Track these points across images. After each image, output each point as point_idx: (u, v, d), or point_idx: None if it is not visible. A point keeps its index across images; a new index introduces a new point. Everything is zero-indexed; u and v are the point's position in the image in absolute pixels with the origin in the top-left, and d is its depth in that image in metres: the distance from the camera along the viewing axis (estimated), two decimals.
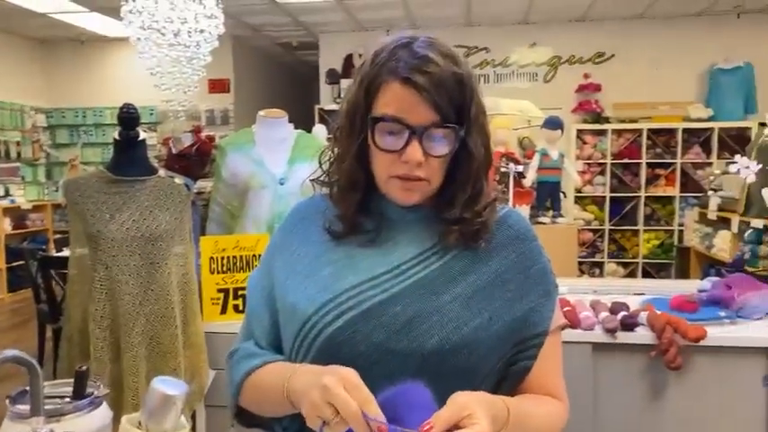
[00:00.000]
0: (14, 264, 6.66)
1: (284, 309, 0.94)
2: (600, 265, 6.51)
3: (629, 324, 1.98)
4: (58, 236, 5.93)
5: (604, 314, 2.05)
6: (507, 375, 0.92)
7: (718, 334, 1.94)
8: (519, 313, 0.91)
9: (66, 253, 3.25)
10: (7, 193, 6.93)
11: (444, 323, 0.86)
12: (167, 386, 0.63)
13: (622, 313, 2.05)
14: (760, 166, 2.22)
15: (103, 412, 0.76)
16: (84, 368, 0.76)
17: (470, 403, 0.72)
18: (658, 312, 2.01)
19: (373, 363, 0.84)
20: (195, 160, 2.78)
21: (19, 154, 7.09)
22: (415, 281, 0.89)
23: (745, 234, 3.52)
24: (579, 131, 6.42)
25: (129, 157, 1.96)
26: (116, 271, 1.86)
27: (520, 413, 0.82)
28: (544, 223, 3.69)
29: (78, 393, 0.75)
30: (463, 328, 0.86)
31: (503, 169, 3.04)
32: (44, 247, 6.64)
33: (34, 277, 3.79)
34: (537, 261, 0.96)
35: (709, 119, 6.28)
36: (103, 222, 1.86)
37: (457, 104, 0.86)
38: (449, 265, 0.91)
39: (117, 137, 1.97)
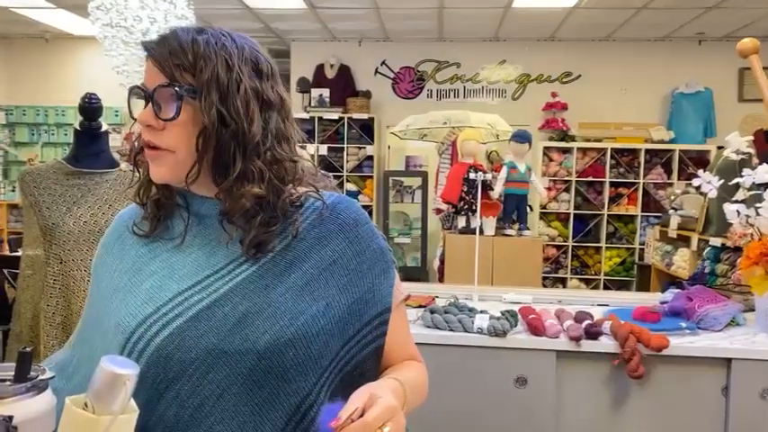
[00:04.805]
0: None
1: (108, 330, 0.89)
2: (563, 280, 6.59)
3: (593, 333, 1.99)
4: (12, 236, 5.74)
5: (569, 322, 2.06)
6: (364, 358, 0.92)
7: (679, 344, 1.96)
8: (358, 295, 0.91)
9: (20, 253, 3.14)
10: None
11: (277, 317, 0.83)
12: (117, 364, 0.59)
13: (586, 322, 2.05)
14: (722, 181, 2.26)
15: (47, 397, 0.71)
16: (29, 350, 0.71)
17: (368, 388, 0.76)
18: (622, 322, 2.02)
19: (208, 367, 0.82)
20: None
21: None
22: (243, 278, 0.86)
23: (704, 252, 3.59)
24: (546, 149, 6.52)
25: (89, 148, 1.90)
26: (71, 266, 1.79)
27: (407, 382, 0.86)
28: (510, 235, 3.71)
29: (21, 377, 0.70)
30: (299, 319, 0.84)
31: (471, 176, 3.05)
32: None
33: None
34: (372, 243, 0.95)
35: (671, 141, 6.44)
36: (60, 215, 1.79)
37: (187, 67, 0.84)
38: (279, 257, 0.88)
39: (78, 127, 1.90)
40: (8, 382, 0.70)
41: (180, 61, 0.84)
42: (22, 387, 0.69)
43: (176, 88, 0.83)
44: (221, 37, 0.88)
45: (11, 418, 0.60)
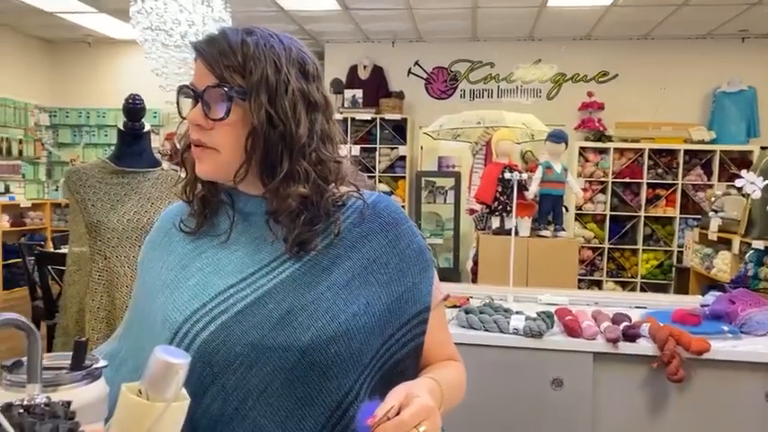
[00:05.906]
0: (10, 261, 6.62)
1: (155, 324, 0.91)
2: (599, 283, 6.49)
3: (631, 335, 1.96)
4: (56, 234, 5.93)
5: (606, 324, 2.03)
6: (403, 356, 0.92)
7: (721, 348, 1.92)
8: (398, 293, 0.91)
9: (64, 250, 3.26)
10: (7, 191, 6.90)
11: (320, 314, 0.85)
12: (170, 354, 0.61)
13: (624, 324, 2.03)
14: (766, 182, 2.20)
15: (101, 385, 0.74)
16: (84, 339, 0.74)
17: (405, 387, 0.77)
18: (661, 324, 1.99)
19: (252, 362, 0.83)
20: None
21: (21, 152, 7.07)
22: (287, 275, 0.87)
23: (747, 255, 3.50)
24: (582, 149, 6.44)
25: (132, 148, 1.96)
26: (115, 262, 1.84)
27: (444, 382, 0.87)
28: (545, 236, 3.67)
29: (76, 365, 0.73)
30: (340, 317, 0.85)
31: (507, 176, 3.03)
32: (42, 243, 6.61)
33: (30, 273, 3.77)
34: (412, 242, 0.95)
35: (712, 141, 6.29)
36: (104, 212, 1.85)
37: (237, 68, 0.85)
38: (322, 255, 0.89)
39: (121, 127, 1.96)
40: (65, 371, 0.73)
41: (230, 62, 0.85)
42: (78, 375, 0.72)
43: (226, 89, 0.85)
44: (269, 38, 0.89)
45: (69, 403, 0.63)
